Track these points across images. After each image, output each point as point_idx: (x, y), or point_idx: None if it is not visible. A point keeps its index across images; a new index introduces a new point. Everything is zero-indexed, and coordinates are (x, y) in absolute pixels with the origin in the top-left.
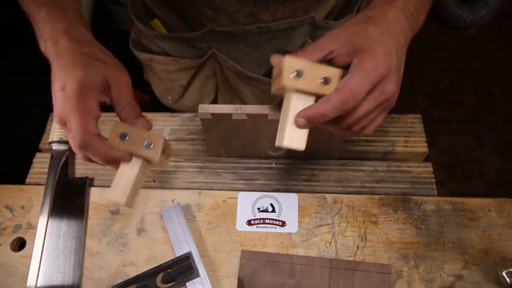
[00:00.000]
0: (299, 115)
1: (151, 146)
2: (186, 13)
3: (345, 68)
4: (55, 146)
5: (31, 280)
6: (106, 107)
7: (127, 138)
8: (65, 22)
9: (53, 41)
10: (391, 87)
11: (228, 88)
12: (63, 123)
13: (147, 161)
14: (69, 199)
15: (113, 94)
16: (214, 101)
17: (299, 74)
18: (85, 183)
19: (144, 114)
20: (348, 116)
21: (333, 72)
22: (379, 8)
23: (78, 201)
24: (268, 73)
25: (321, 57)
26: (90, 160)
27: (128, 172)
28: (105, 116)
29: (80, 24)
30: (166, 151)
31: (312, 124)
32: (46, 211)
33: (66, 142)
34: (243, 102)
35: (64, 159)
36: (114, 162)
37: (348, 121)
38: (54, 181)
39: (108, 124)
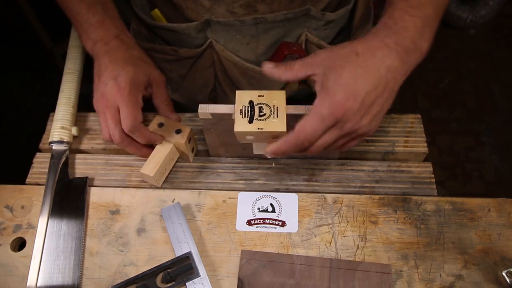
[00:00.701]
0: (266, 149)
1: (180, 133)
2: (184, 3)
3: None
4: (55, 146)
5: (31, 280)
6: None
7: (163, 126)
8: (116, 29)
9: (104, 42)
10: (350, 126)
11: (226, 78)
12: (109, 108)
13: (176, 147)
14: (69, 199)
15: (154, 90)
16: (213, 92)
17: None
18: (85, 183)
19: (144, 114)
20: (311, 147)
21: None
22: (370, 45)
23: (78, 201)
24: None
25: (304, 76)
26: (127, 144)
27: (160, 153)
28: None
29: (127, 31)
30: (191, 140)
31: (279, 156)
32: (46, 211)
33: (66, 142)
34: None
35: (64, 159)
36: (152, 142)
37: (311, 150)
38: (54, 181)
39: None
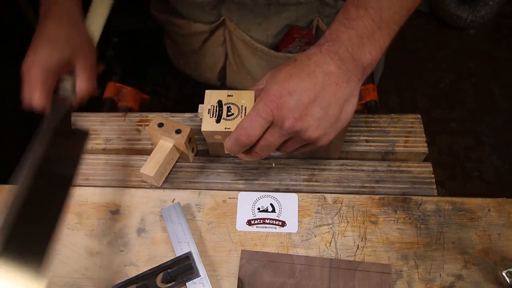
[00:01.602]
0: (224, 144)
1: (180, 133)
2: None
3: None
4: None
5: None
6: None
7: (163, 126)
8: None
9: (45, 7)
10: (289, 124)
11: (236, 56)
12: (27, 70)
13: (176, 147)
14: (66, 148)
15: (77, 69)
16: (223, 70)
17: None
18: (86, 135)
19: (144, 114)
20: (255, 146)
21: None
22: (307, 52)
23: (75, 154)
24: (276, 46)
25: (259, 89)
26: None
27: (160, 153)
28: (105, 116)
29: (72, 1)
30: (191, 140)
31: (233, 153)
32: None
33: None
34: (249, 72)
35: (68, 105)
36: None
37: (256, 150)
38: (56, 122)
39: (108, 124)
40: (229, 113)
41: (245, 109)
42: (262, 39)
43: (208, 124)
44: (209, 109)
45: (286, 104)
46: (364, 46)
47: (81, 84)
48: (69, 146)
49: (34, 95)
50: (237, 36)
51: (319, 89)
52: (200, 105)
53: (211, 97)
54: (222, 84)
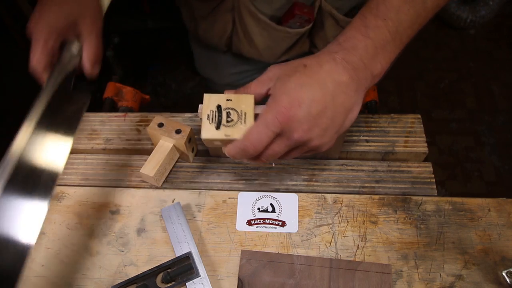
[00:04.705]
0: (224, 149)
1: (180, 133)
2: None
3: None
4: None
5: None
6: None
7: (163, 126)
8: None
9: None
10: (298, 136)
11: (242, 24)
12: (32, 28)
13: (176, 147)
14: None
15: (83, 38)
16: (230, 37)
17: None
18: (87, 97)
19: (144, 114)
20: (261, 155)
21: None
22: (319, 58)
23: (73, 119)
24: (279, 19)
25: (263, 93)
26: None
27: (160, 153)
28: (105, 116)
29: None
30: (191, 140)
31: (236, 159)
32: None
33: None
34: (253, 41)
35: (71, 70)
36: (36, 72)
37: (262, 158)
38: (56, 80)
39: (108, 124)
40: (229, 119)
41: (245, 115)
42: (267, 12)
43: (208, 132)
44: (208, 115)
45: (296, 116)
46: (377, 56)
47: (89, 48)
48: (68, 111)
49: (35, 54)
50: (244, 3)
51: (329, 100)
52: (200, 105)
53: (210, 101)
54: (228, 49)
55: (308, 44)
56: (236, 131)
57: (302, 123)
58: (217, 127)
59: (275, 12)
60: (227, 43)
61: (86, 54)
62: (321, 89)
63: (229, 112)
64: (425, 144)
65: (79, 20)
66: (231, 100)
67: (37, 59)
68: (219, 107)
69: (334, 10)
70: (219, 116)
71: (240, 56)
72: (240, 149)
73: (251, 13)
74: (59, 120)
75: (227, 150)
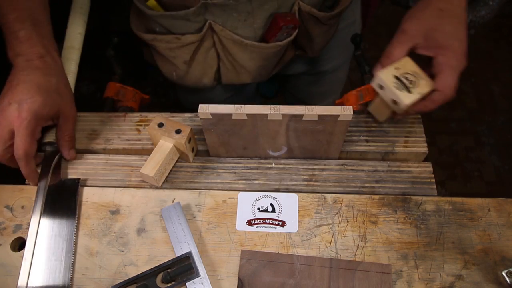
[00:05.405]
0: (413, 107)
1: (180, 133)
2: None
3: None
4: (48, 148)
5: (21, 280)
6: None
7: (163, 126)
8: (42, 47)
9: (26, 58)
10: (463, 68)
11: (228, 55)
12: (1, 127)
13: (176, 147)
14: (61, 200)
15: (60, 123)
16: (217, 72)
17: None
18: (77, 184)
19: (144, 114)
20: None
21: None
22: (441, 1)
23: (70, 202)
24: (263, 37)
25: (407, 52)
26: (5, 161)
27: (160, 153)
28: (105, 116)
29: (55, 51)
30: (191, 140)
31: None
32: (38, 211)
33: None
34: (244, 67)
35: (56, 160)
36: (29, 179)
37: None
38: (47, 181)
39: (108, 124)
40: (411, 82)
41: (416, 73)
42: (250, 35)
43: (408, 98)
44: (394, 86)
45: (466, 53)
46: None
47: (65, 135)
48: (63, 197)
49: (24, 144)
50: (225, 36)
51: (467, 27)
52: (200, 105)
53: (387, 77)
54: (218, 83)
55: (294, 49)
56: (422, 87)
57: (465, 55)
58: (409, 91)
59: (259, 31)
60: (216, 77)
61: (62, 141)
62: (462, 23)
63: (407, 76)
64: (425, 144)
65: (60, 109)
66: (399, 68)
67: (27, 149)
68: (396, 77)
69: (314, 8)
70: (403, 83)
71: (229, 85)
72: (441, 101)
73: (235, 41)
74: (58, 209)
75: (420, 108)
